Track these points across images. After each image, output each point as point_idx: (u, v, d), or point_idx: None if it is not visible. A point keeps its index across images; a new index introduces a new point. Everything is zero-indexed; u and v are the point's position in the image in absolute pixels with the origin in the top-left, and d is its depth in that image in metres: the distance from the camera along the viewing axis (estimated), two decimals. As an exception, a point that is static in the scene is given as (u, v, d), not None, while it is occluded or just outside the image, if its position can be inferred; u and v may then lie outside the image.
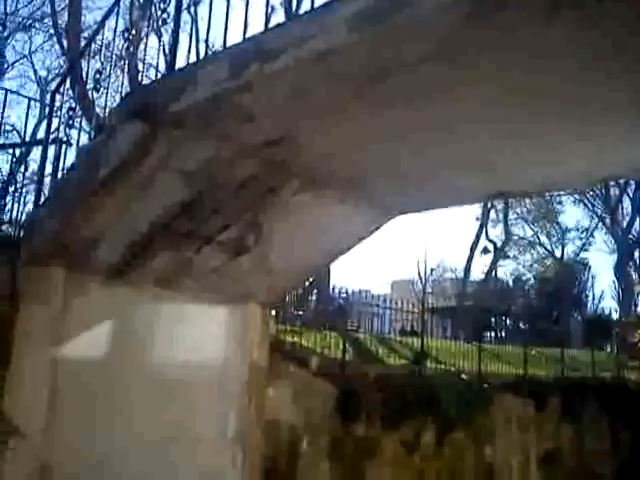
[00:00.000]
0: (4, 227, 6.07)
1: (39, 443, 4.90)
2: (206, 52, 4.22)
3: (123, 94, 4.75)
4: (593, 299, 32.52)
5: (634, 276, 28.49)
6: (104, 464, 5.23)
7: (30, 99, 12.05)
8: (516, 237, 32.55)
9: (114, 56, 4.81)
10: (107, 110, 4.80)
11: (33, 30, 20.31)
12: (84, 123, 5.70)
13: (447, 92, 3.50)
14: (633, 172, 5.80)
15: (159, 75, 4.42)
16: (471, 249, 27.11)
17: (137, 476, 5.44)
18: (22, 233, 5.60)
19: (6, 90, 6.74)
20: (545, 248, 34.32)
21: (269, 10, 3.73)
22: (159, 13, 4.08)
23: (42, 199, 5.57)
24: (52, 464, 4.96)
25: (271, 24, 3.74)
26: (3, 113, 6.36)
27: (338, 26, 3.06)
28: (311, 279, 13.16)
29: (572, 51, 3.06)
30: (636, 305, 26.17)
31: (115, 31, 4.50)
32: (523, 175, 5.01)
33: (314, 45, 3.18)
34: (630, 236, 29.97)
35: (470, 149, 4.37)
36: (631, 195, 30.20)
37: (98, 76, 4.61)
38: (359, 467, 9.07)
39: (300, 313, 12.40)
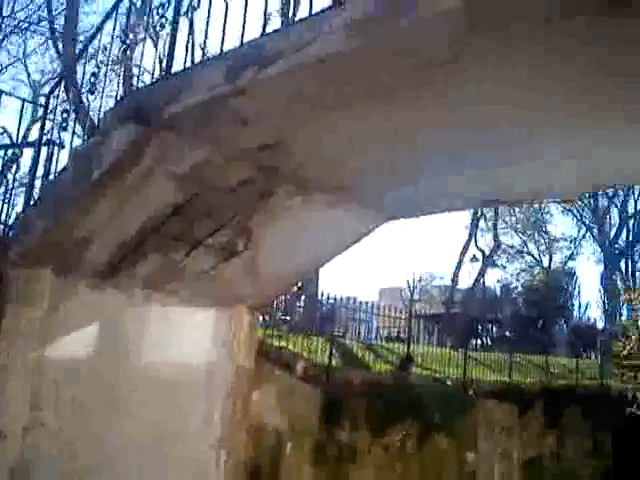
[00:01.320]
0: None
1: (20, 443, 4.87)
2: (202, 57, 4.22)
3: (118, 97, 4.75)
4: (579, 308, 32.75)
5: (620, 285, 28.75)
6: (89, 465, 5.21)
7: (24, 100, 12.00)
8: (505, 246, 32.73)
9: (110, 60, 4.79)
10: (101, 113, 4.79)
11: (28, 33, 20.17)
12: (77, 127, 5.65)
13: (442, 97, 3.53)
14: (622, 179, 5.85)
15: (154, 79, 4.41)
16: (460, 257, 27.24)
17: (123, 475, 5.43)
18: (11, 234, 5.57)
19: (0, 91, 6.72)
20: (533, 257, 34.54)
21: (266, 15, 3.72)
22: (157, 18, 4.08)
23: (32, 201, 5.54)
24: (32, 466, 4.93)
25: (268, 30, 3.75)
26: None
27: (336, 32, 3.08)
28: (299, 284, 13.18)
29: (564, 61, 3.09)
30: (621, 314, 26.40)
31: (113, 35, 4.50)
32: (514, 182, 5.04)
33: (311, 51, 3.20)
34: (617, 246, 30.27)
35: (462, 155, 4.39)
36: (618, 206, 30.52)
37: (93, 79, 4.60)
38: (342, 471, 9.09)
39: (288, 318, 12.42)
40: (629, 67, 3.13)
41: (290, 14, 3.58)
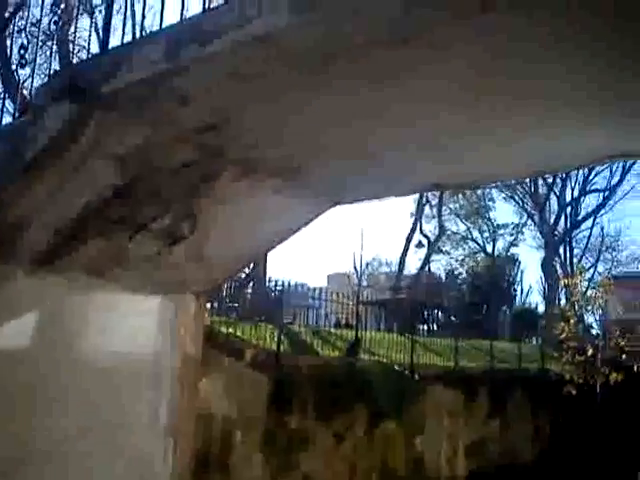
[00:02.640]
0: None
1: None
2: (141, 33, 4.08)
3: (52, 73, 4.54)
4: (522, 293, 33.76)
5: (559, 271, 29.74)
6: (33, 455, 5.05)
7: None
8: (449, 232, 33.38)
9: (42, 33, 4.57)
10: (34, 89, 4.58)
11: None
12: (8, 105, 5.38)
13: (392, 78, 3.49)
14: (565, 166, 6.00)
15: (90, 55, 4.24)
16: (405, 243, 27.62)
17: (67, 464, 5.29)
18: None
19: None
20: (477, 243, 35.38)
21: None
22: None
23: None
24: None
25: (209, 6, 3.64)
26: None
27: (279, 9, 3.02)
28: (247, 271, 13.07)
29: (531, 43, 3.07)
30: (560, 299, 27.32)
31: (42, 7, 4.29)
32: (461, 165, 5.08)
33: (253, 28, 3.12)
34: (556, 232, 31.27)
35: (413, 138, 4.39)
36: (557, 193, 31.51)
37: (23, 51, 4.37)
38: (292, 458, 9.11)
39: (236, 305, 12.32)
40: (580, 52, 3.17)
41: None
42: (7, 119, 5.03)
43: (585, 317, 19.87)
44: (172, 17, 3.77)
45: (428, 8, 2.85)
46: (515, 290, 33.26)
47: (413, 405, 11.74)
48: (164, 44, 3.57)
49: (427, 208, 30.02)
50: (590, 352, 15.77)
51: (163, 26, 3.84)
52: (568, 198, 31.96)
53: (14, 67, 5.46)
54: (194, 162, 4.68)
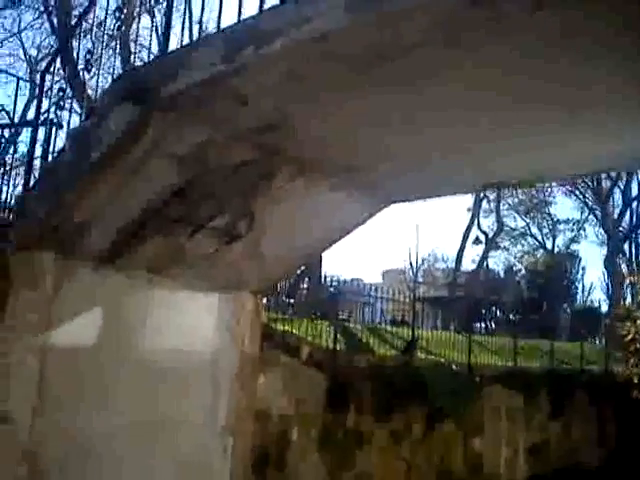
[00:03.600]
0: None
1: (28, 429, 4.84)
2: (199, 34, 4.12)
3: (115, 75, 4.65)
4: (583, 291, 32.72)
5: (624, 268, 28.67)
6: (92, 450, 5.19)
7: (19, 78, 11.72)
8: (508, 228, 32.64)
9: (106, 36, 4.68)
10: (99, 92, 4.69)
11: (22, 7, 19.74)
12: (75, 105, 5.52)
13: (446, 76, 3.46)
14: (623, 165, 5.81)
15: (152, 57, 4.31)
16: (463, 239, 27.14)
17: (125, 461, 5.41)
18: (12, 217, 5.49)
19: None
20: (536, 239, 34.47)
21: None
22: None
23: (32, 182, 5.46)
24: (40, 449, 4.91)
25: (266, 6, 3.64)
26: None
27: (335, 8, 2.99)
28: (303, 268, 13.11)
29: (571, 42, 3.02)
30: (625, 298, 26.33)
31: (107, 10, 4.39)
32: (516, 164, 4.98)
33: (310, 28, 3.11)
34: (620, 229, 30.12)
35: (467, 136, 4.33)
36: (622, 188, 30.33)
37: (89, 56, 4.49)
38: (349, 456, 9.08)
39: (292, 301, 12.37)
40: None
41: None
42: (75, 119, 5.18)
43: (653, 317, 19.09)
44: (230, 18, 3.79)
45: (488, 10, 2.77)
46: (576, 288, 32.27)
47: (471, 406, 11.53)
48: (222, 46, 3.61)
49: (485, 203, 29.40)
50: (658, 354, 15.12)
51: (221, 27, 3.86)
52: (634, 192, 30.74)
53: (80, 69, 5.60)
54: (251, 161, 4.71)
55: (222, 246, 5.59)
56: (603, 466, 13.70)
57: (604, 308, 28.25)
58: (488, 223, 30.12)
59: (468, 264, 29.87)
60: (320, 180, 5.21)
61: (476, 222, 27.73)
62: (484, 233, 28.50)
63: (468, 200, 28.97)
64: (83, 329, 5.35)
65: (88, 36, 4.81)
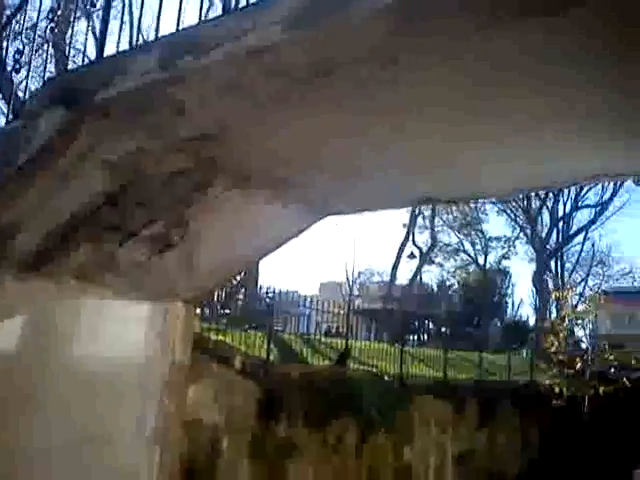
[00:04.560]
0: None
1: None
2: (137, 40, 4.10)
3: (47, 78, 4.54)
4: (512, 306, 33.87)
5: (550, 284, 29.86)
6: (14, 467, 5.00)
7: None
8: (441, 244, 33.47)
9: (38, 37, 4.57)
10: (28, 93, 4.58)
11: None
12: (2, 104, 5.36)
13: (385, 94, 3.52)
14: (569, 181, 6.04)
15: (87, 62, 4.24)
16: (398, 253, 27.68)
17: (52, 475, 5.24)
18: None
19: None
20: (469, 255, 35.48)
21: (206, 2, 3.64)
22: (88, -4, 3.94)
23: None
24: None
25: (207, 17, 3.67)
26: None
27: (272, 24, 3.04)
28: (238, 278, 13.05)
29: (519, 60, 3.10)
30: (550, 312, 27.39)
31: (39, 11, 4.30)
32: (452, 180, 5.13)
33: (248, 41, 3.15)
34: (547, 246, 31.40)
35: (402, 152, 4.44)
36: (549, 207, 31.67)
37: (18, 56, 4.38)
38: (280, 466, 9.08)
39: (227, 311, 12.30)
40: (568, 73, 3.20)
41: (231, 2, 3.51)
42: (0, 120, 5.03)
43: (575, 331, 19.97)
44: (168, 27, 3.79)
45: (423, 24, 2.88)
46: (506, 303, 33.43)
47: (402, 415, 11.73)
48: (159, 53, 3.60)
49: (420, 219, 30.14)
50: (579, 365, 15.83)
51: (159, 35, 3.86)
52: (560, 213, 32.15)
53: (9, 70, 5.45)
54: (187, 170, 4.69)
55: (155, 254, 5.52)
56: (527, 473, 14.20)
57: (532, 322, 29.34)
58: (423, 239, 30.85)
59: (402, 278, 30.44)
60: (256, 191, 5.23)
61: (411, 237, 28.37)
62: (418, 248, 29.19)
63: (404, 216, 29.61)
64: (6, 339, 5.16)
65: (19, 37, 4.68)
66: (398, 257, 27.66)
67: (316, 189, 5.35)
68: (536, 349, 20.67)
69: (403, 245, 27.84)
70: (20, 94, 6.16)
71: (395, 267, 27.92)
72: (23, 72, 4.52)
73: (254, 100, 3.72)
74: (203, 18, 3.75)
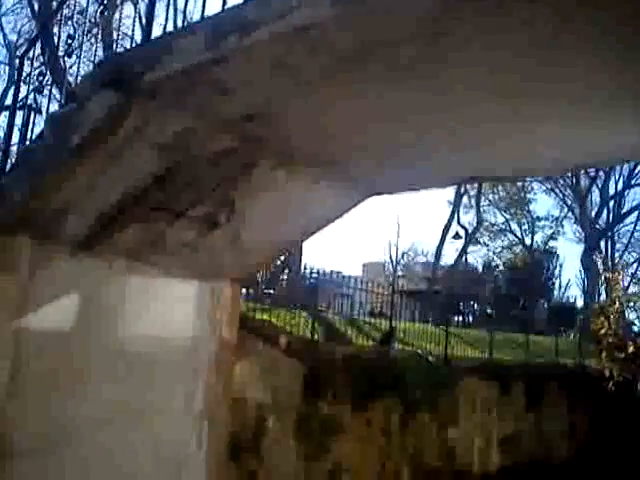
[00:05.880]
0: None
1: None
2: (183, 22, 4.12)
3: (96, 62, 4.63)
4: (560, 287, 33.17)
5: (600, 265, 29.09)
6: (65, 437, 5.19)
7: (-1, 63, 11.57)
8: (487, 223, 32.92)
9: (87, 22, 4.65)
10: (79, 78, 4.67)
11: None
12: (55, 90, 5.47)
13: (430, 72, 3.49)
14: (605, 161, 5.90)
15: (134, 44, 4.29)
16: (442, 234, 27.34)
17: (100, 448, 5.42)
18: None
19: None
20: (515, 235, 34.83)
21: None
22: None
23: (8, 167, 5.42)
24: (10, 431, 4.89)
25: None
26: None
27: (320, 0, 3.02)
28: (283, 258, 13.14)
29: (547, 42, 3.06)
30: (600, 294, 26.73)
31: (88, -3, 4.36)
32: (498, 159, 5.04)
33: (295, 18, 3.13)
34: (597, 226, 30.55)
35: (449, 130, 4.37)
36: (600, 186, 30.73)
37: (70, 42, 4.47)
38: (325, 444, 9.17)
39: (271, 292, 12.41)
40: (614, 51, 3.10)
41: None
42: (54, 106, 5.15)
43: (626, 313, 19.42)
44: (214, 7, 3.80)
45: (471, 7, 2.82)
46: (553, 284, 32.73)
47: (447, 396, 11.68)
48: (205, 34, 3.61)
49: (465, 198, 29.63)
50: (631, 349, 15.41)
51: (204, 16, 3.87)
52: (612, 191, 31.16)
53: (61, 55, 5.57)
54: (233, 151, 4.73)
55: (202, 234, 5.61)
56: (575, 458, 13.96)
57: (580, 304, 28.70)
58: (468, 218, 30.37)
59: (447, 259, 30.14)
60: (301, 171, 5.24)
61: (456, 217, 27.95)
62: (464, 228, 28.72)
63: (449, 194, 29.20)
64: (59, 315, 5.32)
65: (69, 22, 4.78)
66: (443, 237, 27.31)
67: (360, 168, 5.32)
68: (584, 331, 20.22)
69: (448, 225, 27.46)
70: (71, 79, 6.30)
71: (440, 247, 27.60)
72: (74, 57, 4.60)
73: (299, 79, 3.71)
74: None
